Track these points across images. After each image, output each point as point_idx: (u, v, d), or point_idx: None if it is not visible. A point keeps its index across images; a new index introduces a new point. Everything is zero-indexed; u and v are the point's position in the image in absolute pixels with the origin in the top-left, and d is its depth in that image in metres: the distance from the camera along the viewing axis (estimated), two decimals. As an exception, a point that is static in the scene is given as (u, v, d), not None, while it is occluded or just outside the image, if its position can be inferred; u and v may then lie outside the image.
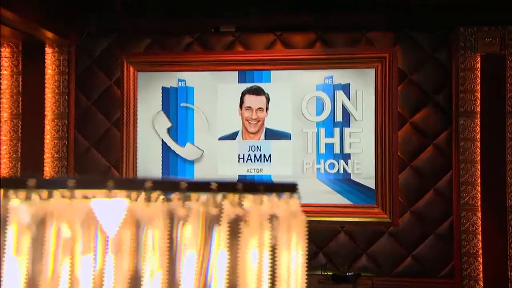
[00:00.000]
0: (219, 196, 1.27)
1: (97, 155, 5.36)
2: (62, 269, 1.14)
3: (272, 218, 1.30)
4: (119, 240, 1.16)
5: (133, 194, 1.21)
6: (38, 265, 1.14)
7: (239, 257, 1.25)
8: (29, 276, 1.13)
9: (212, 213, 1.23)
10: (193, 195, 1.25)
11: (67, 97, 5.30)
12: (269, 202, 1.32)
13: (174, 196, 1.23)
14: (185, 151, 5.30)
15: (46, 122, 5.27)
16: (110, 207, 1.17)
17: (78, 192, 1.21)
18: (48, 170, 5.32)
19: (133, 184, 1.20)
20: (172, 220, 1.20)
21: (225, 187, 1.26)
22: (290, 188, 1.36)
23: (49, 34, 5.00)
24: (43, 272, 1.14)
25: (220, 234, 1.23)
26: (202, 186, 1.24)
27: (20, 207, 1.14)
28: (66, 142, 5.30)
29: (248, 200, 1.28)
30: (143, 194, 1.21)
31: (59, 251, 1.14)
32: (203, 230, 1.22)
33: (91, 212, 1.16)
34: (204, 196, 1.27)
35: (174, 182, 1.21)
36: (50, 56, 5.26)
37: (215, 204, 1.24)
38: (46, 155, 5.28)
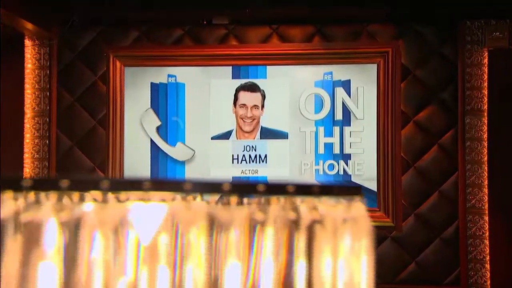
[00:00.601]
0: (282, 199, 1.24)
1: (81, 155, 5.14)
2: (141, 278, 1.12)
3: (344, 223, 1.28)
4: (197, 247, 1.14)
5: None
6: (118, 273, 1.11)
7: (315, 264, 1.23)
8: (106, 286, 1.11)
9: (291, 218, 1.21)
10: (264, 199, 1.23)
11: (48, 94, 5.11)
12: (341, 206, 1.29)
13: (253, 200, 1.22)
14: (175, 151, 5.08)
15: (25, 120, 5.08)
16: (187, 211, 1.15)
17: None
18: (28, 171, 5.12)
19: (210, 187, 1.18)
20: (250, 224, 1.19)
21: (301, 190, 1.23)
22: (357, 191, 1.33)
23: (29, 25, 4.78)
24: (121, 281, 1.12)
25: (299, 241, 1.22)
26: (278, 189, 1.22)
27: (98, 211, 1.10)
28: (47, 142, 5.11)
29: (324, 204, 1.26)
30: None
31: (138, 259, 1.12)
32: (282, 235, 1.21)
33: (168, 217, 1.13)
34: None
35: (252, 185, 1.20)
36: (30, 49, 5.07)
37: (293, 208, 1.22)
38: (25, 155, 5.09)
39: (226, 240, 1.15)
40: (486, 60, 4.80)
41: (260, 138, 5.03)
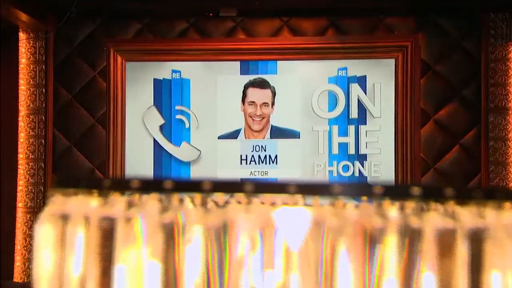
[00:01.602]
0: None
1: (79, 156, 5.04)
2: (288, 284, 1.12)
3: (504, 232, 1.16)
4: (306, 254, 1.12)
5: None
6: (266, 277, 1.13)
7: (482, 280, 1.11)
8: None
9: (451, 227, 1.11)
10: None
11: (44, 90, 5.03)
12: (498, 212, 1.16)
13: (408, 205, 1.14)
14: (180, 151, 4.96)
15: (20, 118, 5.00)
16: (335, 217, 1.13)
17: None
18: (22, 173, 5.02)
19: (361, 190, 1.16)
20: (406, 233, 1.11)
21: (461, 194, 1.14)
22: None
23: (24, 17, 4.68)
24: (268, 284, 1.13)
25: (460, 252, 1.12)
26: (435, 193, 1.15)
27: (243, 214, 1.11)
28: (43, 141, 5.01)
29: (489, 210, 1.15)
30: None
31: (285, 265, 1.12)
32: (441, 246, 1.12)
33: (315, 222, 1.13)
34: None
35: (405, 187, 1.14)
36: (24, 43, 4.99)
37: (452, 215, 1.13)
38: (20, 156, 5.00)
39: (382, 251, 1.09)
40: (511, 55, 4.71)
41: (270, 138, 4.95)
